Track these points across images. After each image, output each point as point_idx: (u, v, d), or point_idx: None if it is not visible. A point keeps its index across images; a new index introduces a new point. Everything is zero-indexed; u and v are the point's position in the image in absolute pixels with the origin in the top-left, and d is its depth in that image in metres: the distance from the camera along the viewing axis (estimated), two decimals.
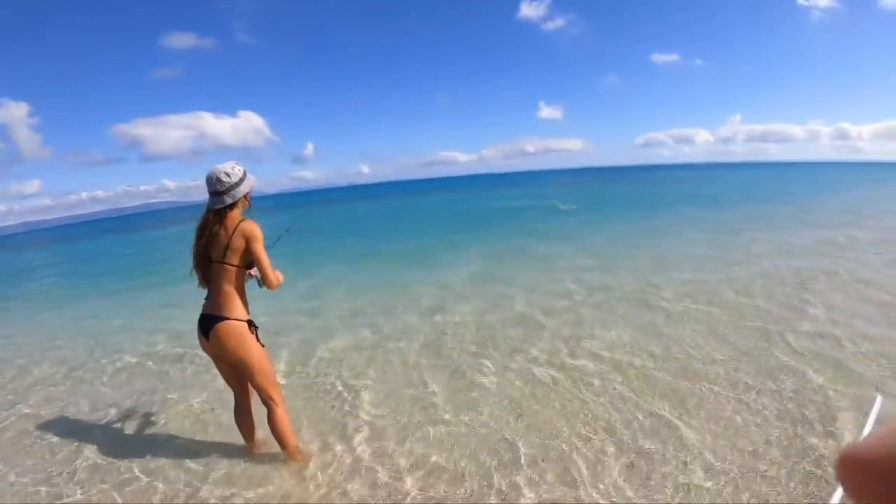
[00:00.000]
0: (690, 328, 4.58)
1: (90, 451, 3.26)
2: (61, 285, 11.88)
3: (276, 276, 2.61)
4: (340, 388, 3.92)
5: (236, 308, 2.58)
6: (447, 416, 3.31)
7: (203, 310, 2.63)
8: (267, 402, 2.74)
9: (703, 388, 3.41)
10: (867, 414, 1.20)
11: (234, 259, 2.53)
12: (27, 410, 4.08)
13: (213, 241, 2.53)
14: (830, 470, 2.42)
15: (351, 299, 6.87)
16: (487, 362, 4.17)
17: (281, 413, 2.77)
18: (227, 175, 2.51)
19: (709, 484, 2.42)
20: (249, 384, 2.79)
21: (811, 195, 20.20)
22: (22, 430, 3.71)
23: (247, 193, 2.60)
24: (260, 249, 2.53)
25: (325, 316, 6.11)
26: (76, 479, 2.96)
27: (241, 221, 2.54)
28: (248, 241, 2.51)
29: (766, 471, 2.48)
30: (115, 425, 3.67)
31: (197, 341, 2.73)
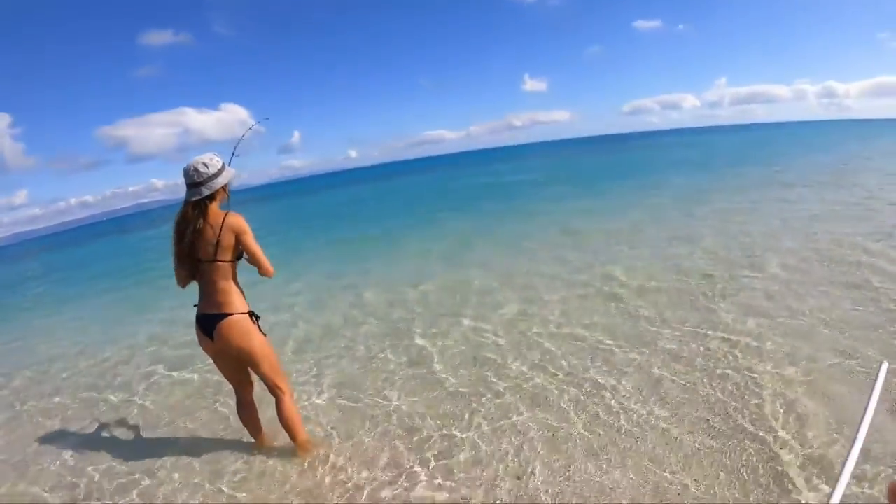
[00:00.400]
0: (651, 298, 4.70)
1: (98, 451, 3.32)
2: (57, 292, 11.98)
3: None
4: (327, 374, 4.10)
5: (236, 302, 2.57)
6: (446, 387, 3.49)
7: (201, 310, 2.59)
8: (274, 391, 2.73)
9: (654, 355, 3.58)
10: (874, 382, 1.14)
11: (227, 255, 2.50)
12: (39, 404, 4.27)
13: (199, 238, 2.46)
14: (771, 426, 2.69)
15: (334, 281, 7.11)
16: (460, 332, 4.48)
17: (289, 402, 2.75)
18: (205, 165, 2.46)
19: (651, 445, 2.60)
20: (256, 375, 2.77)
21: (797, 156, 20.19)
22: (29, 432, 3.83)
23: (225, 185, 2.53)
24: (252, 242, 2.53)
25: (312, 299, 6.35)
26: (87, 478, 3.01)
27: (226, 216, 2.48)
28: (238, 235, 2.49)
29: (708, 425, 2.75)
30: (121, 424, 3.72)
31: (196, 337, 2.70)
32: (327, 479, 2.66)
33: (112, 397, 4.27)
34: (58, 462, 3.27)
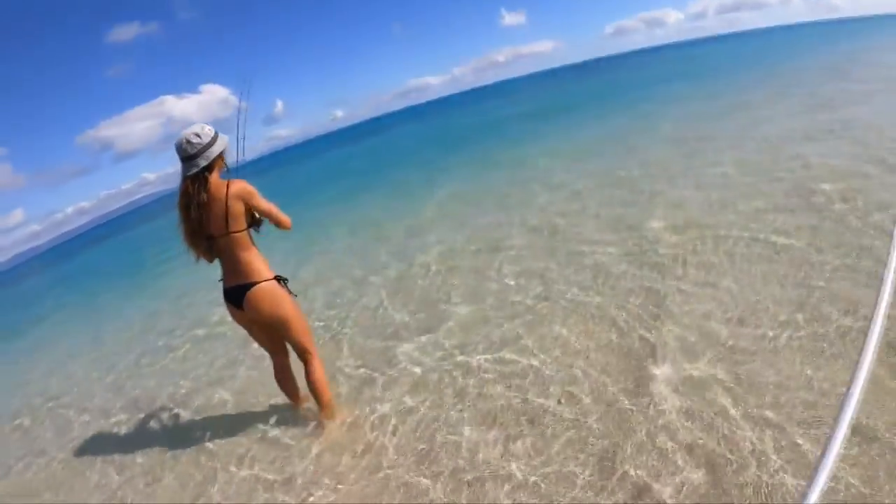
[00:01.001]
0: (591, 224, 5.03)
1: (124, 426, 3.55)
2: (66, 302, 11.95)
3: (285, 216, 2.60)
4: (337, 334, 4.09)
5: (260, 269, 2.53)
6: (416, 351, 3.47)
7: (226, 284, 2.56)
8: (303, 354, 2.72)
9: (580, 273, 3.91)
10: (891, 238, 1.07)
11: (240, 225, 2.44)
12: (65, 396, 4.53)
13: (207, 214, 2.38)
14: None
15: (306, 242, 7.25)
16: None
17: (318, 366, 2.73)
18: (197, 136, 2.34)
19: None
20: (286, 340, 2.74)
21: (777, 62, 19.29)
22: (51, 424, 4.06)
23: (221, 153, 2.44)
24: (263, 203, 2.48)
25: (293, 262, 6.53)
26: (120, 460, 3.11)
27: (229, 185, 2.39)
28: (247, 200, 2.43)
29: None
30: (149, 395, 3.91)
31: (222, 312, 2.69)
32: (363, 437, 2.66)
33: (138, 372, 4.58)
34: (101, 456, 3.30)
